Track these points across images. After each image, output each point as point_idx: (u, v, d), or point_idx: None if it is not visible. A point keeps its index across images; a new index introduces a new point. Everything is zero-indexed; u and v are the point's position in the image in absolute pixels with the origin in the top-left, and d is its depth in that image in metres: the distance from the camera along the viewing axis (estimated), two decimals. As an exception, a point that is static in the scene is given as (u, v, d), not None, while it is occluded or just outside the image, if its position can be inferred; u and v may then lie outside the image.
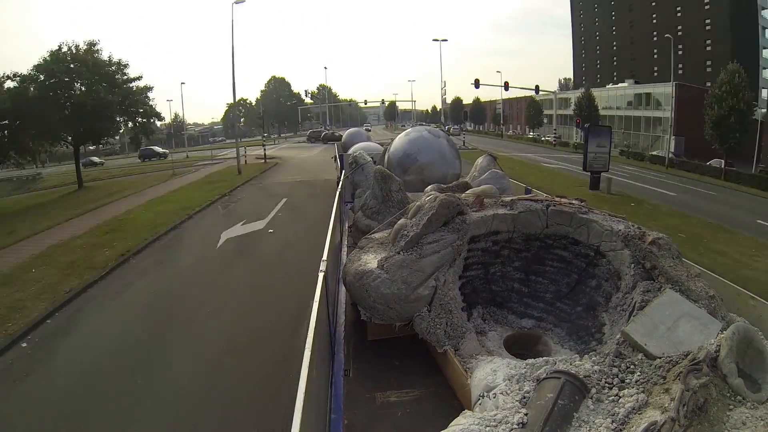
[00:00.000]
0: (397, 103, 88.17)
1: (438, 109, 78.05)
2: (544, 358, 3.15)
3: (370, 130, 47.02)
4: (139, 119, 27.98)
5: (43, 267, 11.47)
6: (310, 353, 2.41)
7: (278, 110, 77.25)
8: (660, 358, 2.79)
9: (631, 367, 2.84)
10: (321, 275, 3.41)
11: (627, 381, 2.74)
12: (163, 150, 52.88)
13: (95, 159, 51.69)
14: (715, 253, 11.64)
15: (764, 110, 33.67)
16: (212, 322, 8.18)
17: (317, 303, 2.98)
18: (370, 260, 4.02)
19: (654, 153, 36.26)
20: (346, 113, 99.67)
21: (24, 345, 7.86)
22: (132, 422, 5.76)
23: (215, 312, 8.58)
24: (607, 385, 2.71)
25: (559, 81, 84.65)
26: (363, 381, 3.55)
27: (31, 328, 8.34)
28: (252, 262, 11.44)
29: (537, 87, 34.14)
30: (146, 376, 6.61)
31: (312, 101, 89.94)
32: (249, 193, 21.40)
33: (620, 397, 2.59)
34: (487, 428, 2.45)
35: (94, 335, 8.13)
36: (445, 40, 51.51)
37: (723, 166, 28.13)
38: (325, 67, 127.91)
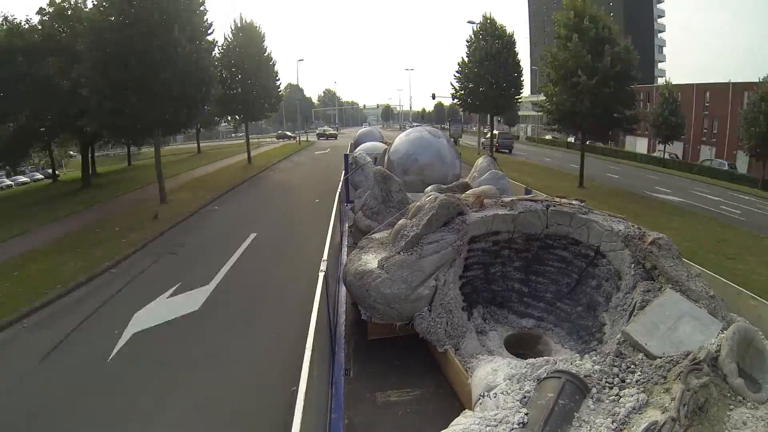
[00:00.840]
0: (392, 106, 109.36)
1: (427, 111, 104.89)
2: (545, 357, 3.15)
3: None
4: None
5: (260, 159, 34.47)
6: (310, 353, 2.40)
7: (294, 111, 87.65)
8: (660, 357, 2.79)
9: (632, 366, 2.83)
10: (321, 275, 3.40)
11: (627, 381, 2.74)
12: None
13: (288, 133, 65.77)
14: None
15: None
16: (327, 157, 35.23)
17: (318, 303, 2.97)
18: (371, 260, 4.02)
19: (547, 137, 52.49)
20: (348, 114, 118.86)
21: (296, 156, 39.03)
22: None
23: (328, 151, 40.18)
24: (607, 384, 2.71)
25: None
26: (363, 380, 3.53)
27: (284, 159, 35.96)
28: (330, 152, 38.42)
29: (433, 94, 50.94)
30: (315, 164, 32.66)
31: (318, 102, 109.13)
32: (315, 146, 48.89)
33: (621, 397, 2.59)
34: (488, 428, 2.45)
35: (298, 162, 35.31)
36: (412, 70, 68.50)
37: (589, 143, 41.28)
38: (335, 82, 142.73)
